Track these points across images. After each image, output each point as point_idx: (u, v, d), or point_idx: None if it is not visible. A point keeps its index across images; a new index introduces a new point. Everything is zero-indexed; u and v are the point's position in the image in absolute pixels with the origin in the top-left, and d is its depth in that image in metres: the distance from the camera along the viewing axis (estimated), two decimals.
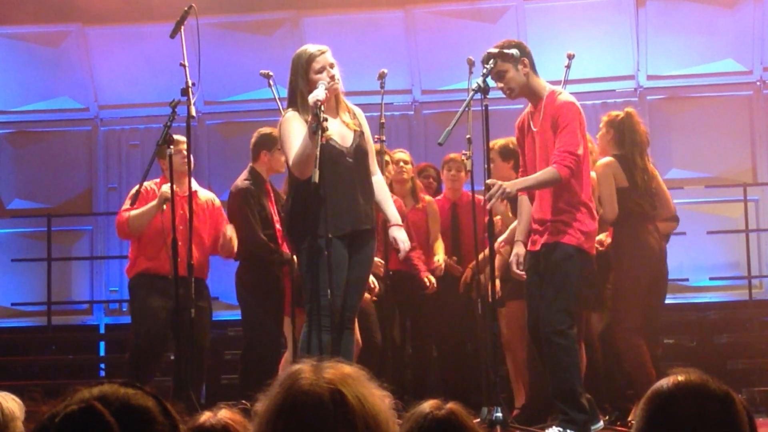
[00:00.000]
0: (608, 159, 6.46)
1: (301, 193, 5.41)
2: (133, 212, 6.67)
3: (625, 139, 6.46)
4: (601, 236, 6.42)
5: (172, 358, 7.23)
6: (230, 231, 6.63)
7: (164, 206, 6.52)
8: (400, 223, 5.66)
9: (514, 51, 5.59)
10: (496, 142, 6.86)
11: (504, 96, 5.72)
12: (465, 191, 7.46)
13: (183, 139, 6.52)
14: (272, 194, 6.83)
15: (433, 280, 7.13)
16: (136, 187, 6.64)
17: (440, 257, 7.24)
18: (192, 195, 6.50)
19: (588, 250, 5.58)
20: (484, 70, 5.61)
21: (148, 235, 6.74)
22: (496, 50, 5.62)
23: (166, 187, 6.46)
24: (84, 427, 1.64)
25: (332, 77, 5.38)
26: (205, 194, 7.00)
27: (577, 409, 5.43)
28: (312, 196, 5.26)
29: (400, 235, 5.57)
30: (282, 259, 6.63)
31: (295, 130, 5.36)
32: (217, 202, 7.03)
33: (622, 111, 6.67)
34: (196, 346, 6.58)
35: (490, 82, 5.65)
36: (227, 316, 9.89)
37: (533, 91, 5.62)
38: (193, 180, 6.73)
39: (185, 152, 6.48)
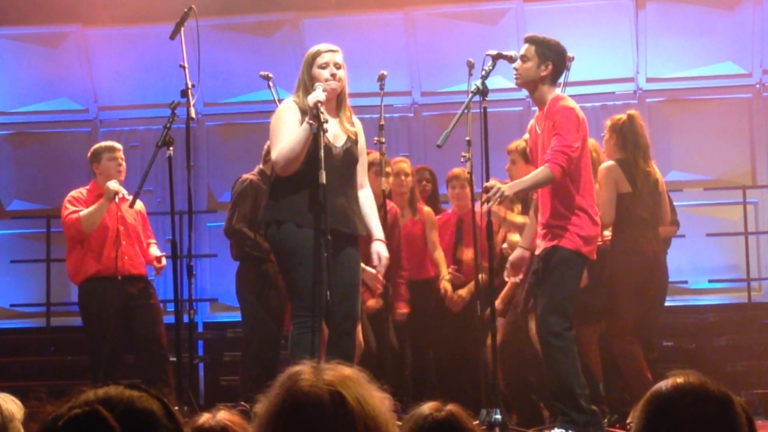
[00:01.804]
0: (610, 163, 6.46)
1: (288, 190, 5.35)
2: (83, 211, 6.81)
3: (628, 143, 6.47)
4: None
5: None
6: (156, 252, 6.87)
7: (116, 199, 6.77)
8: (383, 239, 5.50)
9: (513, 53, 5.68)
10: (519, 144, 6.86)
11: (502, 99, 5.78)
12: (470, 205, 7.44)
13: (119, 146, 6.99)
14: None
15: (405, 312, 7.10)
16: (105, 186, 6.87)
17: (446, 284, 7.30)
18: (123, 200, 6.84)
19: (587, 254, 5.61)
20: (483, 72, 5.67)
21: (96, 236, 6.86)
22: (495, 52, 5.71)
23: (111, 183, 6.75)
24: (88, 431, 1.64)
25: (333, 75, 5.37)
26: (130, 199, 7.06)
27: (576, 409, 5.45)
28: (304, 193, 5.24)
29: (381, 250, 5.42)
30: (259, 248, 6.62)
31: (286, 121, 5.32)
32: (144, 210, 7.22)
33: (624, 114, 6.67)
34: (156, 345, 6.70)
35: (489, 85, 5.70)
36: (225, 317, 9.90)
37: (539, 95, 5.70)
38: (122, 188, 6.97)
39: (120, 159, 6.91)
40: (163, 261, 6.93)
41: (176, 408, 1.76)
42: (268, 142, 6.84)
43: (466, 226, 7.37)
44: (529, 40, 5.73)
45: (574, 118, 5.53)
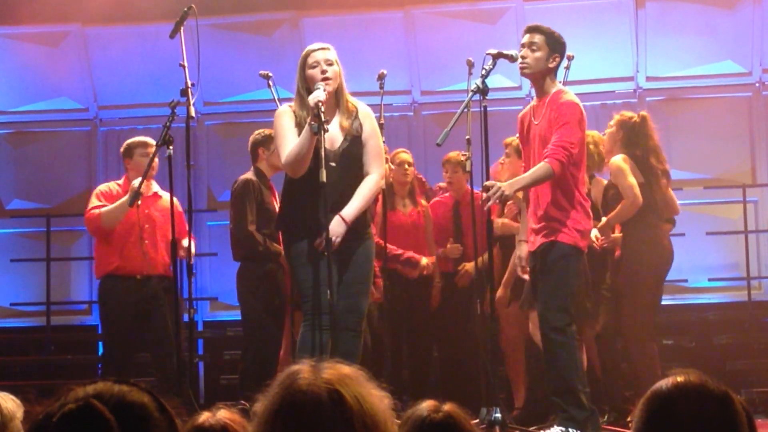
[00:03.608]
0: (620, 156, 6.53)
1: (293, 192, 5.38)
2: (105, 208, 6.74)
3: (638, 142, 6.56)
4: (594, 232, 6.43)
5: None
6: (187, 243, 6.54)
7: (139, 201, 6.58)
8: (347, 218, 5.29)
9: (513, 52, 5.66)
10: (515, 139, 6.86)
11: (502, 98, 5.77)
12: (468, 188, 7.46)
13: (152, 141, 6.73)
14: (275, 191, 6.87)
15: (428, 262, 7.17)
16: (130, 182, 6.75)
17: (426, 260, 7.29)
18: (154, 197, 6.71)
19: (583, 248, 5.63)
20: (483, 71, 5.66)
21: (119, 232, 6.78)
22: (495, 51, 5.69)
23: (136, 182, 6.52)
24: (83, 425, 1.64)
25: (323, 72, 5.35)
26: (167, 197, 6.84)
27: (576, 406, 5.42)
28: (307, 194, 5.25)
29: (333, 227, 5.23)
30: (268, 252, 6.63)
31: (284, 127, 5.35)
32: (179, 207, 6.80)
33: (636, 114, 6.75)
34: (170, 346, 6.66)
35: (489, 83, 5.69)
36: (225, 316, 9.90)
37: (544, 85, 5.68)
38: (155, 183, 6.88)
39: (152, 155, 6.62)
40: (191, 249, 6.52)
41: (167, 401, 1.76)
42: (251, 140, 6.89)
43: (463, 209, 7.40)
44: (537, 30, 5.68)
45: (578, 114, 5.53)
